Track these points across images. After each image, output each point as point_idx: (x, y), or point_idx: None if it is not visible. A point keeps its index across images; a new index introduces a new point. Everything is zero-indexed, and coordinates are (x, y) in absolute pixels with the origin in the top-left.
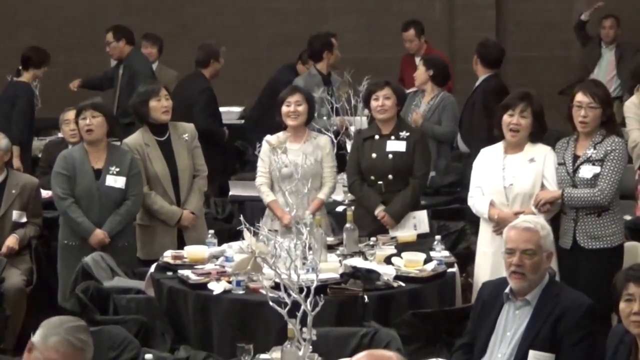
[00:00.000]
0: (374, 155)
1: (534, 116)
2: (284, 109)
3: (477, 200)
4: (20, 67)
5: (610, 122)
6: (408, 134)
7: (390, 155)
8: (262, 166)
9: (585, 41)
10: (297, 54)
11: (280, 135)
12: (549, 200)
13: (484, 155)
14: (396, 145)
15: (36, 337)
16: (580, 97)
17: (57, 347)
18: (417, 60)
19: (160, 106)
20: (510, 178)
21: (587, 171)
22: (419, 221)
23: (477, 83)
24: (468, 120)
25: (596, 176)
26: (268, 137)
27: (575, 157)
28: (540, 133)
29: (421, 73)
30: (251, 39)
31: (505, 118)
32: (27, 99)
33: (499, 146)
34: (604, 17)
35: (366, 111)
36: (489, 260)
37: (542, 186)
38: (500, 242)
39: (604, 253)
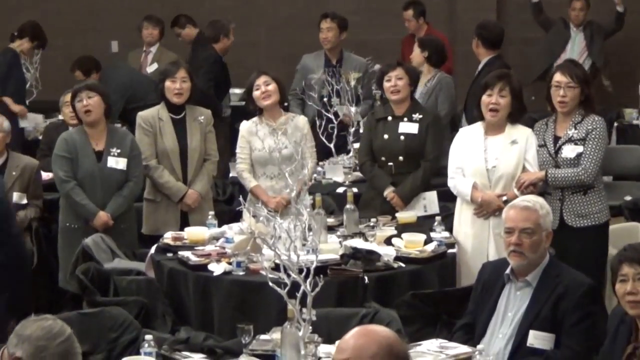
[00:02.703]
0: (385, 136)
1: (512, 95)
2: (255, 93)
3: (459, 181)
4: (15, 33)
5: (589, 102)
6: (421, 116)
7: (402, 137)
8: (241, 152)
9: (548, 24)
10: (296, 36)
11: (256, 119)
12: (532, 181)
13: (463, 135)
14: (408, 127)
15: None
16: (558, 77)
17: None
18: None
19: (173, 87)
20: (492, 160)
21: (570, 151)
22: (429, 202)
23: (481, 66)
24: (474, 104)
25: (579, 155)
26: (245, 123)
27: (556, 138)
28: (519, 113)
29: (417, 55)
30: (251, 21)
31: (484, 98)
32: (13, 65)
33: (479, 127)
34: None
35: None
36: (470, 242)
37: (523, 168)
38: (481, 224)
39: (591, 230)
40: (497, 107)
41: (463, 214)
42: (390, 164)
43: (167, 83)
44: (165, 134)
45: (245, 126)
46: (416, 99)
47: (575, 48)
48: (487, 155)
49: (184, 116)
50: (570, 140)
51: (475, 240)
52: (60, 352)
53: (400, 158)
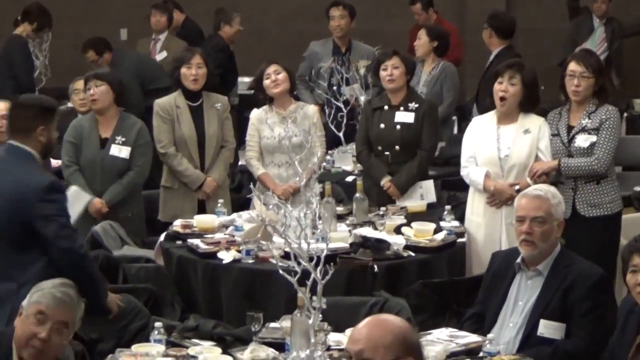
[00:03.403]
0: (382, 125)
1: (523, 84)
2: (265, 82)
3: (472, 170)
4: (19, 17)
5: (603, 91)
6: (417, 105)
7: (398, 127)
8: (251, 139)
9: (575, 13)
10: (305, 25)
11: (266, 107)
12: (545, 171)
13: (476, 124)
14: (405, 117)
15: (24, 300)
16: (573, 66)
17: (40, 300)
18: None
19: (189, 74)
20: (505, 149)
21: (583, 140)
22: (426, 191)
23: (493, 56)
24: (486, 94)
25: (592, 145)
26: (255, 111)
27: (570, 128)
28: (531, 103)
29: (424, 43)
30: (260, 10)
31: (495, 86)
32: (21, 52)
33: (492, 116)
34: None
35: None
36: (482, 231)
37: (536, 157)
38: (493, 213)
39: (604, 220)
40: (505, 95)
41: (475, 204)
42: (387, 153)
43: (183, 70)
44: (182, 122)
45: (255, 114)
46: (412, 88)
47: (595, 41)
48: (500, 144)
49: (201, 103)
50: (583, 129)
51: (488, 230)
52: (52, 292)
53: (397, 147)
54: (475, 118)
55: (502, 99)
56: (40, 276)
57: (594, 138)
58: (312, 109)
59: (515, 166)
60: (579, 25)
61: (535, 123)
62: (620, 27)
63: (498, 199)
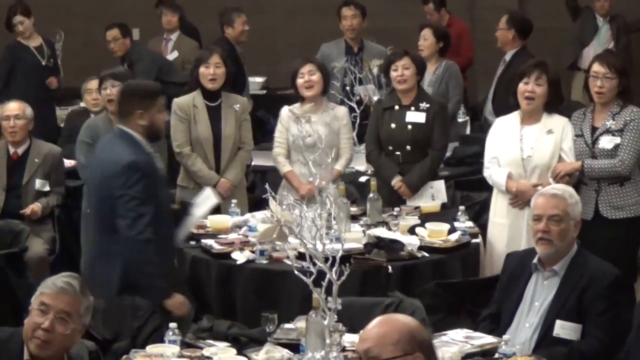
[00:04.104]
0: (393, 125)
1: (549, 84)
2: (299, 81)
3: (494, 171)
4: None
5: (627, 92)
6: (428, 105)
7: (410, 126)
8: (280, 136)
9: (577, 13)
10: (315, 23)
11: (298, 105)
12: (568, 172)
13: (500, 125)
14: (416, 117)
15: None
16: (596, 67)
17: (43, 291)
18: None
19: (207, 73)
20: (528, 149)
21: (607, 142)
22: (437, 191)
23: (509, 57)
24: (504, 94)
25: (617, 146)
26: (287, 106)
27: (594, 129)
28: (556, 103)
29: (431, 44)
30: (270, 7)
31: (521, 86)
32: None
33: (515, 116)
34: None
35: None
36: (505, 232)
37: (560, 158)
38: (516, 214)
39: (626, 223)
40: (532, 95)
41: (498, 204)
42: (398, 153)
43: (201, 69)
44: (199, 121)
45: (285, 111)
46: (422, 88)
47: (601, 39)
48: (523, 145)
49: (220, 103)
50: (607, 131)
51: (511, 231)
52: (55, 283)
53: (408, 147)
54: (499, 119)
55: (528, 98)
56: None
57: (618, 140)
58: (342, 111)
59: (538, 167)
60: (583, 26)
61: (558, 123)
62: (626, 24)
63: (521, 199)
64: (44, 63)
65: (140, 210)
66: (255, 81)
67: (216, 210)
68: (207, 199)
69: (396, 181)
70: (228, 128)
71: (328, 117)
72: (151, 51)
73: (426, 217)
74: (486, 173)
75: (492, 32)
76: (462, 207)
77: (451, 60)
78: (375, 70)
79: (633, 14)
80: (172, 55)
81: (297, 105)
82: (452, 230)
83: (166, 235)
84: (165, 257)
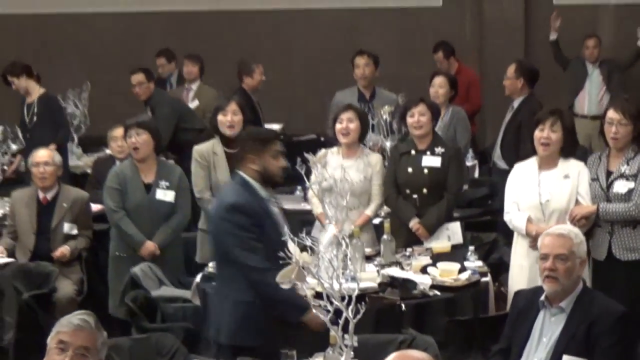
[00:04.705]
0: (410, 169)
1: (564, 130)
2: (337, 125)
3: (514, 215)
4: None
5: None
6: (443, 150)
7: (426, 170)
8: (314, 179)
9: (565, 62)
10: (332, 71)
11: (336, 149)
12: (584, 215)
13: (518, 170)
14: (431, 161)
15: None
16: (611, 113)
17: (59, 330)
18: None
19: (225, 120)
20: (546, 194)
21: (621, 186)
22: (453, 232)
23: (517, 104)
24: (512, 139)
25: (630, 191)
26: (323, 151)
27: (609, 173)
28: (571, 148)
29: (446, 92)
30: (287, 58)
31: (537, 133)
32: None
33: (533, 162)
34: (587, 37)
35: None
36: (526, 273)
37: (577, 201)
38: (536, 256)
39: (638, 264)
40: (548, 142)
41: (518, 247)
42: (415, 196)
43: (220, 117)
44: (218, 168)
45: (321, 154)
46: (437, 133)
47: (594, 84)
48: (541, 190)
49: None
50: (622, 175)
51: (531, 272)
52: (70, 320)
53: (424, 190)
54: (517, 165)
55: (544, 145)
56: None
57: (632, 184)
58: (375, 158)
59: (556, 210)
60: (575, 74)
61: (575, 168)
62: (616, 64)
63: None
64: (27, 120)
65: (250, 245)
66: (273, 128)
67: None
68: (328, 233)
69: (414, 223)
70: None
71: (362, 164)
72: (171, 97)
73: (437, 257)
74: (506, 217)
75: (500, 79)
76: (471, 247)
77: (460, 106)
78: (385, 117)
79: (621, 57)
80: (193, 104)
81: (335, 149)
82: (463, 269)
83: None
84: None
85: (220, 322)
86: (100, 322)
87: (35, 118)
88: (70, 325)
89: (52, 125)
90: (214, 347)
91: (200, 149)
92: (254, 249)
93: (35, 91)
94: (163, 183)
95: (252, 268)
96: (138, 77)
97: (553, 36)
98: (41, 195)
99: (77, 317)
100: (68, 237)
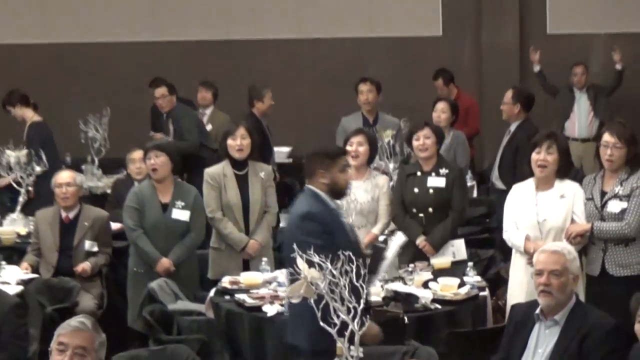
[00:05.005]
0: (416, 190)
1: (559, 153)
2: (348, 148)
3: (513, 234)
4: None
5: (635, 160)
6: (447, 170)
7: (431, 191)
8: None
9: (553, 90)
10: (338, 97)
11: None
12: (579, 233)
13: (517, 191)
14: (436, 182)
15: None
16: (607, 137)
17: (59, 332)
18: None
19: (235, 144)
20: (543, 214)
21: (615, 206)
22: (457, 249)
23: (513, 128)
24: (510, 162)
25: (623, 211)
26: None
27: (603, 193)
28: (566, 169)
29: (449, 116)
30: (296, 85)
31: (534, 155)
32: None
33: (530, 183)
34: (574, 65)
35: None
36: (524, 288)
37: (572, 220)
38: (533, 272)
39: (630, 280)
40: (545, 163)
41: (517, 263)
42: (421, 215)
43: (229, 141)
44: (229, 189)
45: None
46: (442, 155)
47: (582, 108)
48: (538, 209)
49: (247, 172)
50: (615, 196)
51: (529, 287)
52: (69, 323)
53: (430, 210)
54: (515, 186)
55: (541, 166)
56: None
57: (625, 204)
58: (382, 180)
59: (553, 229)
60: (563, 100)
61: (570, 189)
62: (601, 89)
63: None
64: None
65: (320, 252)
66: (282, 151)
67: (245, 267)
68: (395, 241)
69: (420, 241)
70: (255, 194)
71: (369, 185)
72: (192, 111)
73: (438, 273)
74: (505, 236)
75: (497, 104)
76: (470, 263)
77: (459, 130)
78: (387, 140)
79: (607, 82)
80: (207, 128)
81: None
82: (462, 284)
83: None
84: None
85: (299, 327)
86: (120, 334)
87: (24, 146)
88: (68, 328)
89: (37, 153)
90: (294, 353)
91: (211, 172)
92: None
93: (29, 119)
94: (179, 203)
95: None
96: (161, 90)
97: (536, 68)
98: (63, 214)
99: (75, 320)
100: (89, 254)
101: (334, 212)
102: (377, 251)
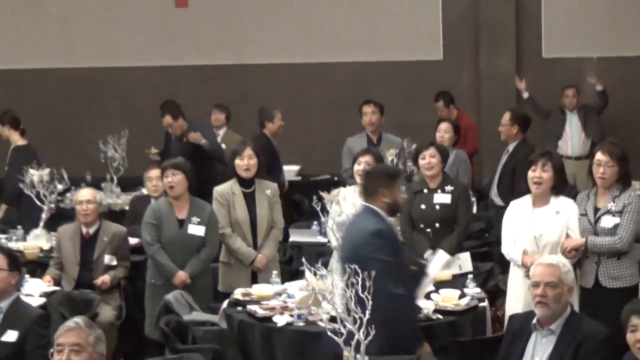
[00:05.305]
0: (423, 206)
1: (554, 170)
2: (355, 167)
3: (511, 248)
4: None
5: (627, 177)
6: (452, 187)
7: (437, 207)
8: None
9: (545, 114)
10: (344, 118)
11: (353, 188)
12: (574, 247)
13: (514, 208)
14: (442, 198)
15: None
16: (599, 156)
17: (57, 334)
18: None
19: (242, 164)
20: (539, 229)
21: (608, 221)
22: (463, 262)
23: (511, 147)
24: (508, 181)
25: (616, 226)
26: (342, 189)
27: (596, 209)
28: (561, 186)
29: (451, 136)
30: (305, 105)
31: (530, 173)
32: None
33: (527, 200)
34: (565, 87)
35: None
36: (522, 299)
37: (567, 235)
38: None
39: (623, 292)
40: (540, 181)
41: (515, 276)
42: (428, 230)
43: (237, 161)
44: (237, 206)
45: (343, 191)
46: (447, 173)
47: (574, 128)
48: (535, 225)
49: (254, 190)
50: (608, 212)
51: (527, 298)
52: (65, 324)
53: (437, 225)
54: (513, 202)
55: (537, 184)
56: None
57: (617, 220)
58: None
59: (549, 243)
60: (555, 121)
61: (565, 205)
62: (591, 109)
63: None
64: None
65: (389, 270)
66: (292, 169)
67: (254, 281)
68: (438, 258)
69: (428, 255)
70: (262, 210)
71: None
72: (205, 126)
73: (440, 285)
74: (504, 250)
75: (495, 125)
76: (470, 276)
77: (460, 149)
78: (390, 158)
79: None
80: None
81: (353, 187)
82: (463, 295)
83: (410, 293)
84: (414, 313)
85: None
86: (137, 343)
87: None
88: (62, 329)
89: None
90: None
91: (220, 190)
92: (392, 274)
93: (14, 142)
94: (195, 219)
95: (388, 293)
96: (166, 120)
97: (525, 95)
98: (84, 230)
99: (71, 321)
100: (108, 268)
101: (394, 229)
102: (420, 268)
